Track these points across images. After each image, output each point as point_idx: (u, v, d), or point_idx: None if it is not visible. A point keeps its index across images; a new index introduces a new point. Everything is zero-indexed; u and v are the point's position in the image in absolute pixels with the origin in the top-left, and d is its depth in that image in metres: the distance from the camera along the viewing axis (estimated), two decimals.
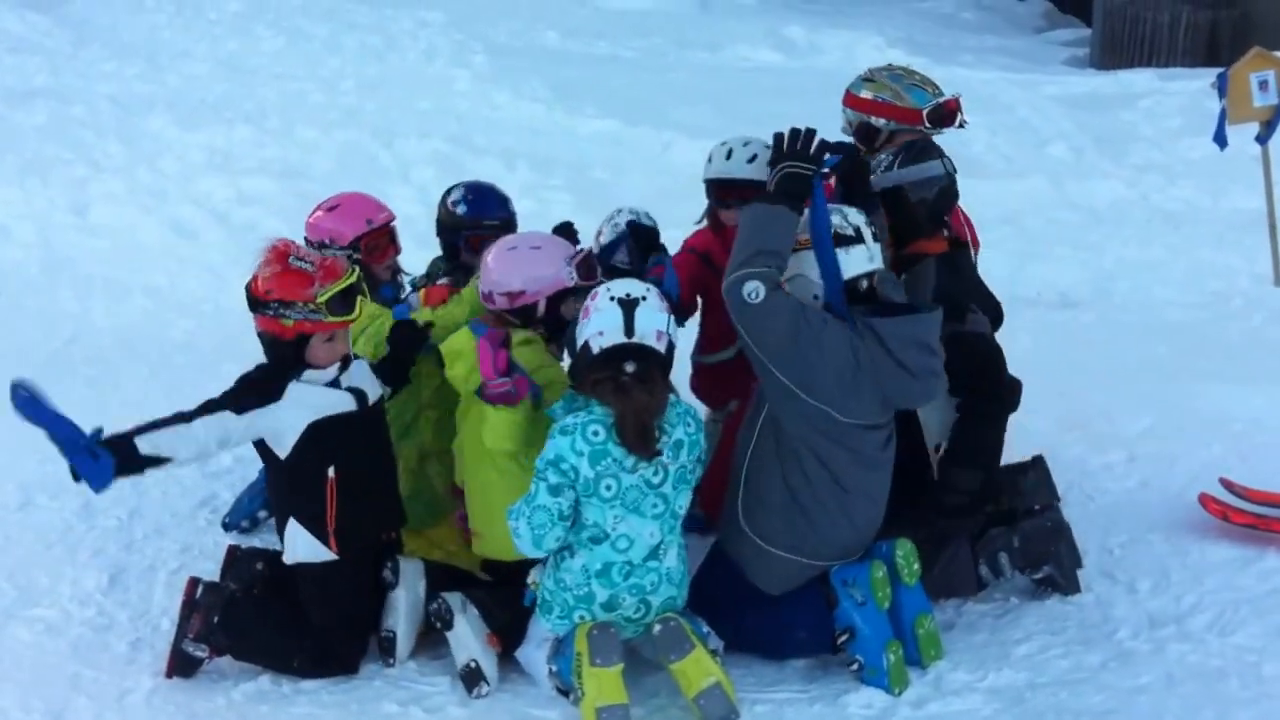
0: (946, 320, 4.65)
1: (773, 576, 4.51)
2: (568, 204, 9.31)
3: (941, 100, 5.36)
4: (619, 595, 4.23)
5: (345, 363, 4.53)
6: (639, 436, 4.10)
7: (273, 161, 10.19)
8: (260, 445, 4.50)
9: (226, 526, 5.47)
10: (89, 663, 4.51)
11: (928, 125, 5.31)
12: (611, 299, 4.19)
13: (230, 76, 12.58)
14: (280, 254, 4.44)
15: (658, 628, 4.16)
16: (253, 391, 4.41)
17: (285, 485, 4.56)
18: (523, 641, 4.43)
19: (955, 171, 5.17)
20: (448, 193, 5.69)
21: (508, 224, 5.56)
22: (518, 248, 4.78)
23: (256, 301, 4.42)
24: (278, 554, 4.64)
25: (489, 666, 4.36)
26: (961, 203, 5.49)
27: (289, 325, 4.38)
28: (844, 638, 4.42)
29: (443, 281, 5.36)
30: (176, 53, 13.27)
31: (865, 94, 5.41)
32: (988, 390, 5.11)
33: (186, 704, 4.28)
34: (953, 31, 18.04)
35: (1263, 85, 8.99)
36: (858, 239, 4.50)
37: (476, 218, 5.55)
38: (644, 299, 4.20)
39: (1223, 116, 8.98)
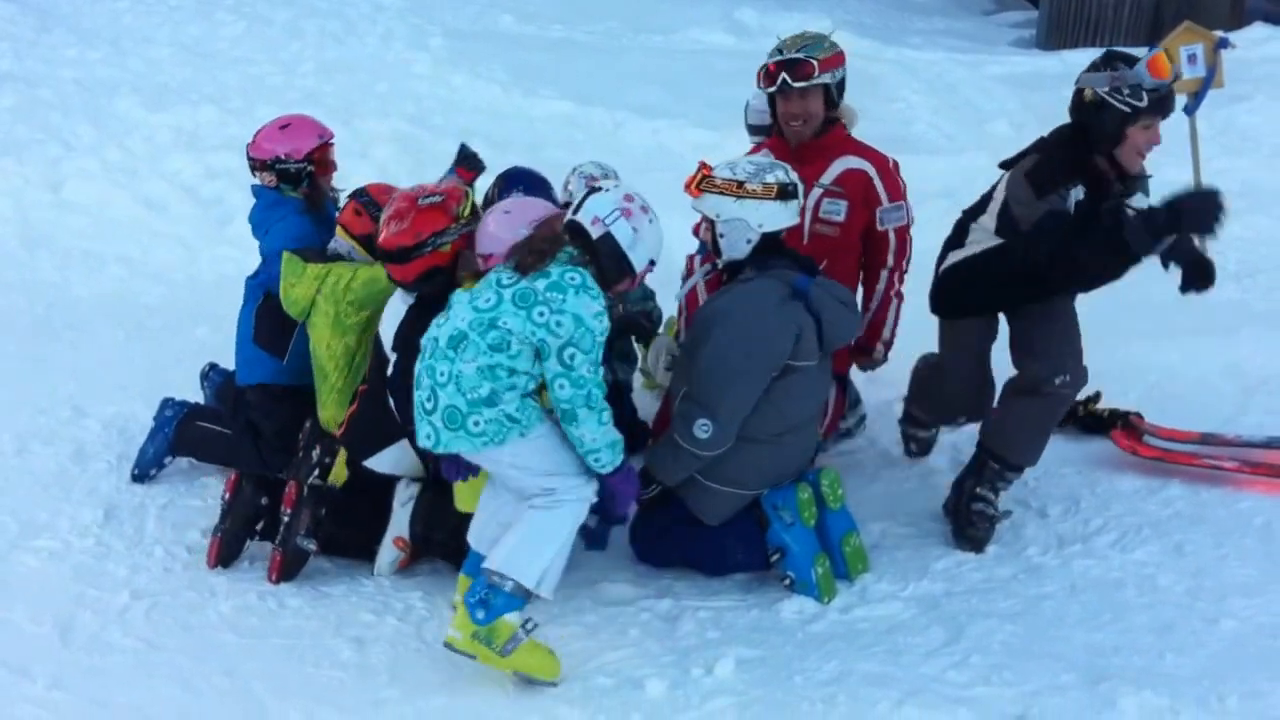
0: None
1: (712, 509, 4.90)
2: None
3: (768, 61, 5.53)
4: (420, 373, 4.42)
5: None
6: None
7: (237, 139, 10.34)
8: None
9: (137, 478, 5.70)
10: (91, 584, 4.85)
11: (761, 85, 5.58)
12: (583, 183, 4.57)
13: (192, 60, 12.66)
14: (409, 202, 4.86)
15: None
16: None
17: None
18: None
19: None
20: (503, 176, 5.92)
21: None
22: (494, 213, 4.94)
23: (409, 250, 4.79)
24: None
25: (383, 561, 4.90)
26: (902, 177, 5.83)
27: (447, 250, 4.81)
28: (776, 556, 4.83)
29: None
30: (139, 38, 13.27)
31: None
32: None
33: (183, 617, 4.65)
34: (902, 14, 18.26)
35: (1191, 58, 9.37)
36: (795, 194, 4.91)
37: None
38: (604, 190, 4.52)
39: None
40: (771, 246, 4.89)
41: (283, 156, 5.68)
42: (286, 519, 4.87)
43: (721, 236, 4.91)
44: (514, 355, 4.26)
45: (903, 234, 5.71)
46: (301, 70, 12.71)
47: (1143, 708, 4.03)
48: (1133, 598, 4.76)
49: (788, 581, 4.82)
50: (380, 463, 5.00)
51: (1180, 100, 9.34)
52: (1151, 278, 8.67)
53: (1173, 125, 9.63)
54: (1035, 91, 13.35)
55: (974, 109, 12.81)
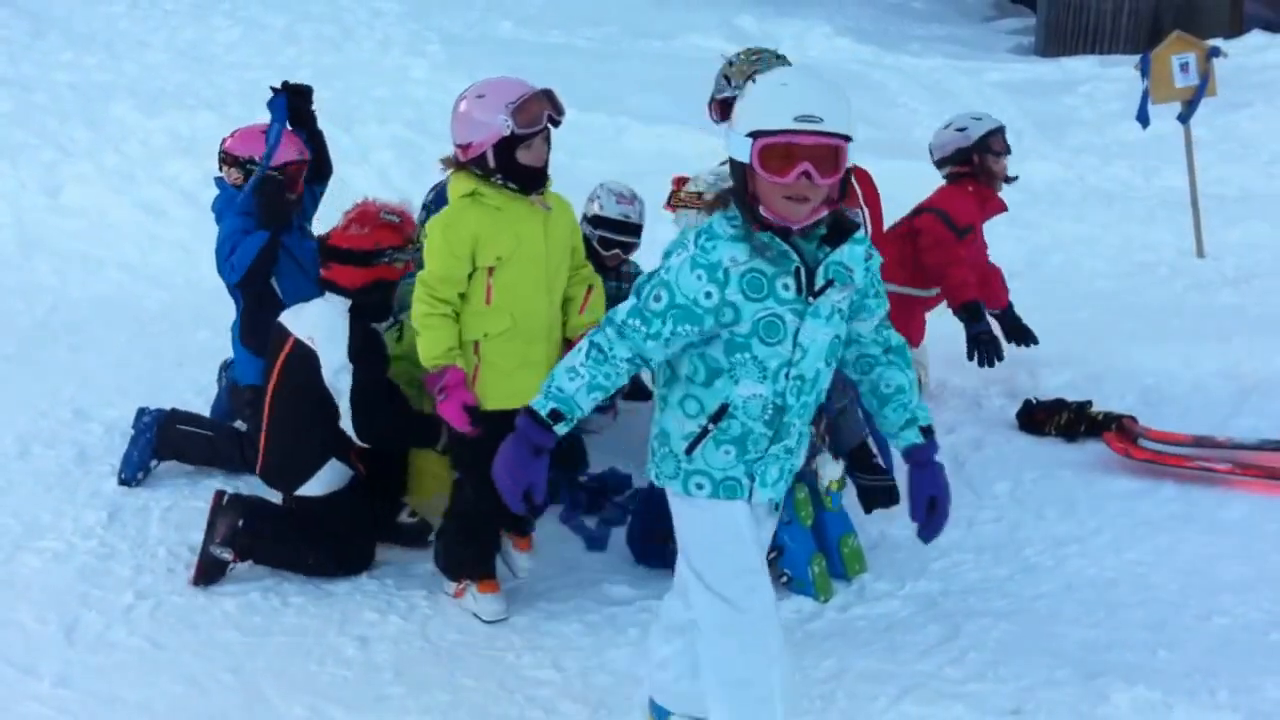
0: None
1: None
2: None
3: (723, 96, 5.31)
4: None
5: None
6: None
7: None
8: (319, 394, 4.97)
9: (124, 481, 5.70)
10: (95, 584, 4.88)
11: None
12: None
13: (188, 65, 12.71)
14: (372, 212, 5.06)
15: None
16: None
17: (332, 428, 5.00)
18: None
19: None
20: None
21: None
22: (467, 97, 4.57)
23: (369, 255, 4.97)
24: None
25: (516, 565, 4.90)
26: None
27: (400, 267, 5.02)
28: (773, 555, 4.81)
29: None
30: (134, 42, 13.30)
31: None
32: None
33: (187, 615, 4.68)
34: (902, 20, 18.36)
35: (1183, 67, 9.44)
36: None
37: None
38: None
39: (1145, 97, 9.44)
40: None
41: (257, 159, 5.75)
42: (206, 527, 4.94)
43: None
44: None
45: None
46: (300, 76, 12.46)
47: (1136, 702, 4.08)
48: (1126, 596, 4.82)
49: (784, 579, 4.86)
50: (314, 487, 5.04)
51: (1174, 109, 9.46)
52: (1151, 283, 8.84)
53: (1168, 133, 9.78)
54: (1034, 98, 13.45)
55: None
